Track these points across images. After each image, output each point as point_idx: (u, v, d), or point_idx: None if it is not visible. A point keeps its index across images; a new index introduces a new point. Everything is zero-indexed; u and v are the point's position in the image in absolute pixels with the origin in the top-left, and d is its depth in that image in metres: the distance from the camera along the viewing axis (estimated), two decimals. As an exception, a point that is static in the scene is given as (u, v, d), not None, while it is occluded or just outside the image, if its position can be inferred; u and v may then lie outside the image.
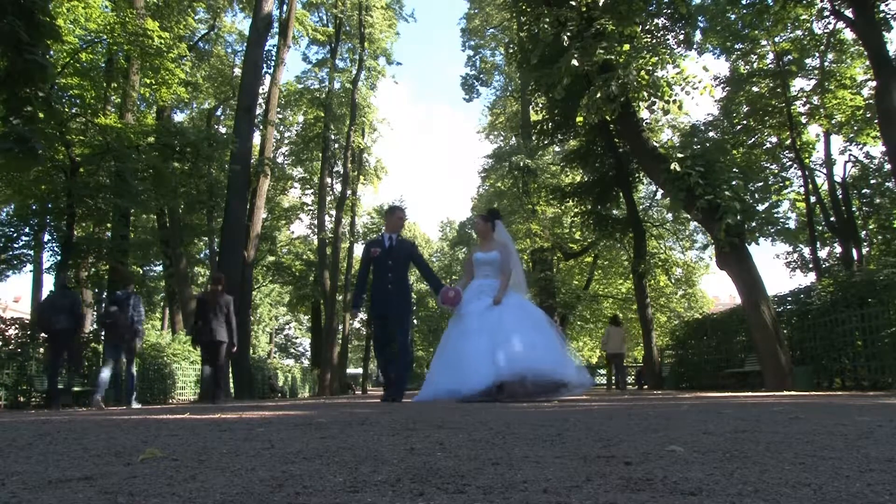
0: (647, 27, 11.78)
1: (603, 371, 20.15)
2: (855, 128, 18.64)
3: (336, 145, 28.27)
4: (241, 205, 15.87)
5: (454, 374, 5.37)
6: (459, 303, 5.94)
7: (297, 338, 60.06)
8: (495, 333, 5.44)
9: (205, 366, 9.36)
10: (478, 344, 5.40)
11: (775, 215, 20.74)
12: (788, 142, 18.94)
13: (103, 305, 9.52)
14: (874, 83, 11.74)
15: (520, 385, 5.40)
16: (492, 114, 30.90)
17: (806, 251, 22.07)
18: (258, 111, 18.68)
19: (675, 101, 10.62)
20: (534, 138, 19.53)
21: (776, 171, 20.61)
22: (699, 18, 14.87)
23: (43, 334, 10.36)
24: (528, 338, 5.48)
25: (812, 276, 20.41)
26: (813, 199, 19.67)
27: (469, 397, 5.18)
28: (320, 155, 27.59)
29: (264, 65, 18.97)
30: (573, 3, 10.48)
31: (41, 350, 12.07)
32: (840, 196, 19.36)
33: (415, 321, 43.80)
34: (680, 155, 10.51)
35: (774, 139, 19.96)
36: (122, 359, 9.27)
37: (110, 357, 9.15)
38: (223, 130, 23.95)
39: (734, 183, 10.21)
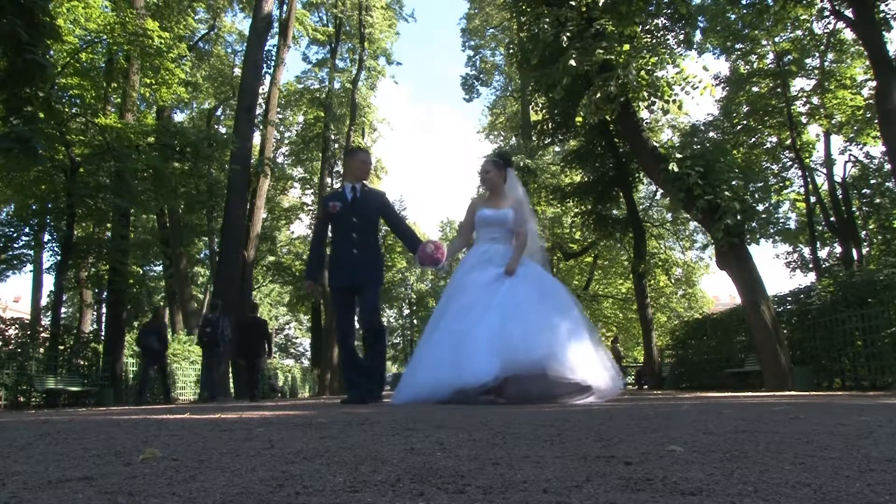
0: (647, 27, 11.78)
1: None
2: (855, 128, 18.64)
3: (336, 145, 28.27)
4: (241, 205, 15.86)
5: (447, 361, 4.07)
6: (442, 262, 4.79)
7: (297, 338, 60.06)
8: (507, 311, 4.16)
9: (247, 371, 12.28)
10: (482, 323, 4.11)
11: (775, 215, 20.75)
12: (788, 142, 18.94)
13: (202, 326, 12.07)
14: (874, 83, 11.73)
15: (533, 382, 4.18)
16: (492, 114, 30.91)
17: (806, 251, 22.06)
18: (258, 111, 18.68)
19: (675, 101, 10.62)
20: (534, 138, 19.53)
21: (776, 171, 20.61)
22: (699, 18, 14.87)
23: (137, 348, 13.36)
24: (550, 321, 4.18)
25: (812, 276, 20.41)
26: (813, 199, 19.67)
27: (464, 392, 4.02)
28: (320, 155, 27.60)
29: (264, 65, 18.97)
30: (573, 3, 10.48)
31: (41, 350, 12.07)
32: (840, 196, 19.36)
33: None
34: (679, 155, 10.52)
35: (774, 139, 19.96)
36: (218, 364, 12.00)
37: (209, 364, 11.80)
38: (223, 130, 23.96)
39: (734, 183, 10.21)
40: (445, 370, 4.06)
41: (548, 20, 10.81)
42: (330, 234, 5.29)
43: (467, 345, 4.08)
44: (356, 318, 5.22)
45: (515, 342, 4.01)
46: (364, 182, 5.20)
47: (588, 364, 4.15)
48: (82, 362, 13.02)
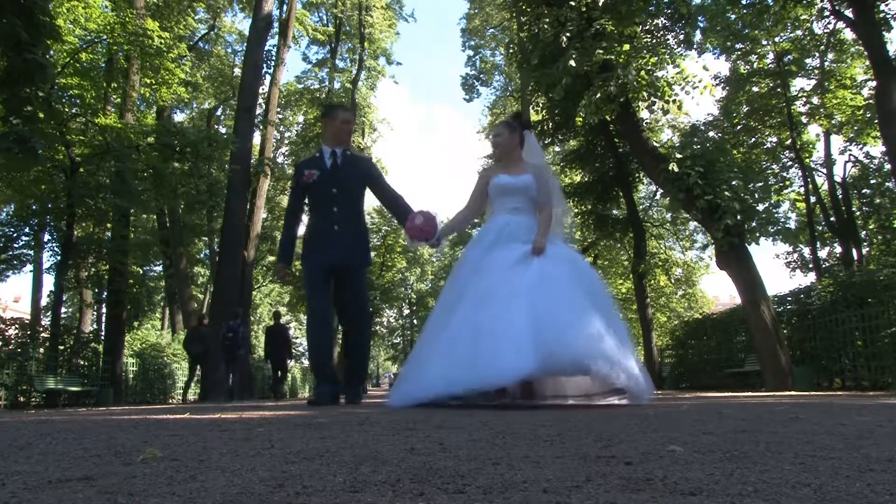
0: (647, 27, 11.78)
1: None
2: (855, 128, 18.64)
3: (336, 145, 28.24)
4: (241, 205, 15.86)
5: (464, 358, 3.39)
6: (434, 235, 4.04)
7: (297, 338, 60.05)
8: (539, 297, 3.46)
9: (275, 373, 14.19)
10: (509, 311, 3.41)
11: (775, 215, 20.73)
12: (788, 142, 18.94)
13: (224, 332, 12.85)
14: (874, 83, 11.73)
15: (568, 383, 3.81)
16: (492, 114, 30.88)
17: (806, 251, 22.06)
18: (258, 111, 18.68)
19: (674, 101, 10.62)
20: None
21: (776, 171, 20.60)
22: (699, 18, 14.86)
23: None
24: (589, 310, 3.52)
25: (812, 276, 20.41)
26: (813, 199, 19.67)
27: (484, 393, 3.57)
28: (320, 155, 27.58)
29: (264, 65, 18.97)
30: (573, 3, 10.48)
31: (41, 350, 12.07)
32: (840, 196, 19.36)
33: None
34: (679, 155, 10.52)
35: (774, 139, 19.96)
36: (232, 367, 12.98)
37: (231, 367, 12.88)
38: (223, 130, 23.96)
39: (734, 183, 10.21)
40: (461, 368, 3.35)
41: (548, 20, 10.80)
42: (306, 208, 4.57)
43: (491, 338, 3.33)
44: (336, 309, 4.61)
45: (553, 335, 3.30)
46: (346, 146, 4.42)
47: (624, 361, 3.52)
48: (82, 362, 13.03)
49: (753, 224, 10.87)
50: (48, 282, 22.86)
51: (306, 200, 4.56)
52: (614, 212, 18.68)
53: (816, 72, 18.51)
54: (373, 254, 39.47)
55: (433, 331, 3.86)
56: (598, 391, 3.80)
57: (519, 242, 3.78)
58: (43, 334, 12.86)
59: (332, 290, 4.55)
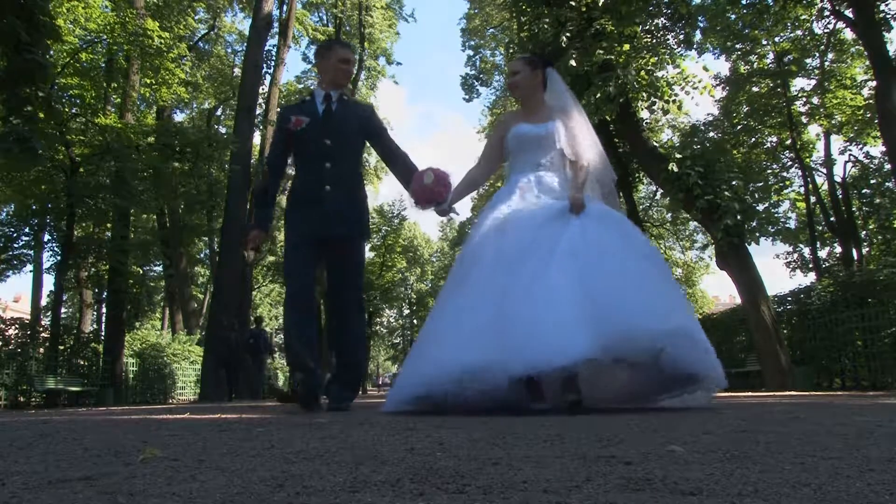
0: (647, 27, 11.78)
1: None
2: (855, 128, 18.64)
3: (336, 145, 28.27)
4: (241, 205, 15.87)
5: (485, 336, 2.57)
6: (446, 198, 3.30)
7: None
8: (584, 259, 2.71)
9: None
10: (550, 274, 2.66)
11: (775, 215, 20.75)
12: (788, 142, 18.94)
13: (247, 337, 13.59)
14: (874, 83, 11.73)
15: (625, 374, 2.96)
16: (492, 114, 30.87)
17: (806, 251, 22.07)
18: (258, 111, 18.69)
19: (674, 101, 10.63)
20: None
21: (776, 171, 20.61)
22: (699, 18, 14.87)
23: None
24: (650, 277, 2.79)
25: (812, 276, 20.41)
26: (813, 199, 19.68)
27: (502, 392, 2.57)
28: (320, 155, 27.59)
29: (264, 65, 18.98)
30: (573, 3, 10.49)
31: (41, 350, 12.08)
32: (840, 196, 19.36)
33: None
34: (679, 155, 10.53)
35: (774, 139, 19.97)
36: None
37: (258, 370, 13.52)
38: (223, 130, 23.94)
39: (734, 183, 10.22)
40: (480, 348, 2.53)
41: (548, 20, 10.81)
42: (292, 164, 3.72)
43: (526, 306, 2.56)
44: (321, 291, 3.97)
45: (615, 303, 2.54)
46: (343, 91, 3.60)
47: (700, 344, 2.76)
48: (82, 362, 13.03)
49: (753, 224, 10.89)
50: (48, 282, 22.88)
51: (291, 160, 3.71)
52: (614, 212, 18.67)
53: (816, 72, 18.51)
54: (372, 254, 39.36)
55: (438, 309, 3.10)
56: (651, 387, 2.97)
57: (546, 197, 3.04)
58: (43, 334, 12.87)
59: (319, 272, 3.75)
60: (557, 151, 3.21)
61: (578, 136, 3.24)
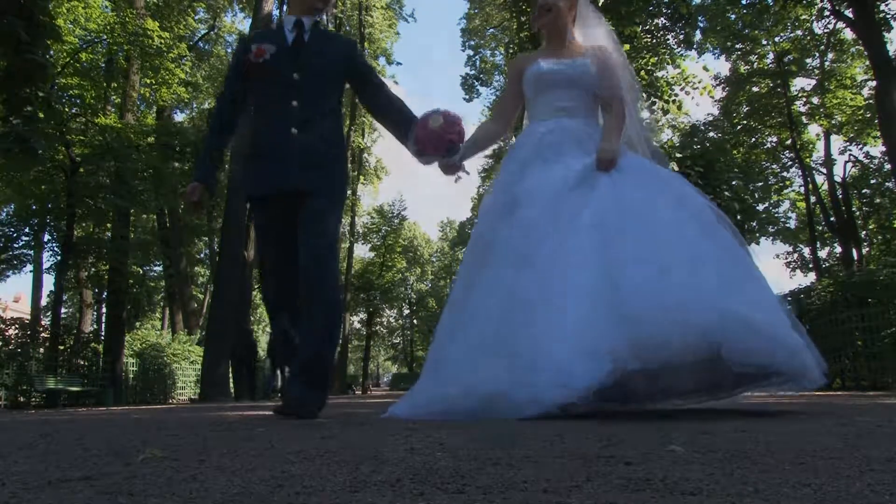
0: (647, 27, 11.79)
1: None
2: (855, 128, 18.66)
3: (336, 145, 28.29)
4: (241, 205, 15.85)
5: (491, 358, 2.17)
6: (458, 146, 2.67)
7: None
8: (614, 241, 2.18)
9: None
10: (569, 274, 2.18)
11: (775, 215, 20.77)
12: (788, 142, 18.96)
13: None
14: (874, 83, 11.74)
15: (681, 374, 2.20)
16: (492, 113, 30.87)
17: (806, 251, 22.08)
18: (258, 111, 18.66)
19: (674, 101, 10.64)
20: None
21: (776, 171, 20.62)
22: (699, 18, 14.88)
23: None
24: (704, 251, 2.19)
25: (812, 276, 20.42)
26: (813, 199, 19.69)
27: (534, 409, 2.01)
28: (320, 155, 27.62)
29: (264, 65, 18.94)
30: (573, 3, 10.50)
31: (41, 350, 12.08)
32: (840, 196, 19.37)
33: (405, 315, 43.47)
34: (679, 155, 10.54)
35: (774, 139, 19.98)
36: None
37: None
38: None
39: (734, 183, 10.24)
40: (492, 370, 2.11)
41: (548, 20, 10.81)
42: (252, 106, 2.96)
43: (537, 322, 2.10)
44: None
45: (650, 302, 2.01)
46: (319, 16, 2.98)
47: (776, 326, 2.12)
48: (82, 362, 13.04)
49: (753, 224, 10.89)
50: (48, 282, 22.88)
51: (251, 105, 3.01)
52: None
53: (816, 72, 18.52)
54: (372, 254, 39.22)
55: (450, 311, 2.63)
56: (728, 380, 2.32)
57: (572, 154, 2.46)
58: (43, 334, 12.88)
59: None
60: (587, 93, 2.62)
61: (617, 73, 2.63)
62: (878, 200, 20.11)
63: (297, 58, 2.79)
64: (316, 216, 2.75)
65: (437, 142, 2.67)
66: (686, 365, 2.12)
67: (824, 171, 19.89)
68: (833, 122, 18.64)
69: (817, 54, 18.21)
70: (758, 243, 20.33)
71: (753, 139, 19.64)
